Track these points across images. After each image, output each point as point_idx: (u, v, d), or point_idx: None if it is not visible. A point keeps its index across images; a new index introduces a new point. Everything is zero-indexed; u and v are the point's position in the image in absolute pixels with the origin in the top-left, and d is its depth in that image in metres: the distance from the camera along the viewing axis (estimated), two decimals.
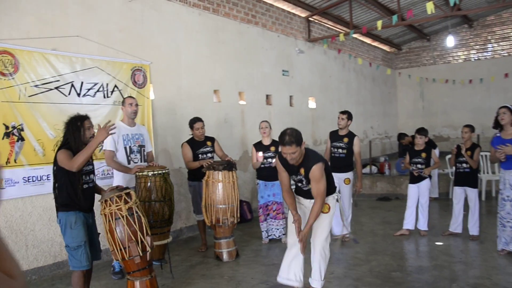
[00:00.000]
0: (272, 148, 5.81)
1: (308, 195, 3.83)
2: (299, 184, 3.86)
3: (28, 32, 4.70)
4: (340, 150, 5.79)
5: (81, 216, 3.60)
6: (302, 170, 3.69)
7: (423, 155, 5.91)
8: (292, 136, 3.50)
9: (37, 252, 4.76)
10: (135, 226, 3.53)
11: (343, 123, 5.79)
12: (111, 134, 3.73)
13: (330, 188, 3.83)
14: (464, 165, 5.70)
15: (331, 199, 3.86)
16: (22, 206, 4.65)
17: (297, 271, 3.87)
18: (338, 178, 5.73)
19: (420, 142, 5.96)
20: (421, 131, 6.03)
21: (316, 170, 3.57)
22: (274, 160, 5.68)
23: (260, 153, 5.79)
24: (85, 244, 3.57)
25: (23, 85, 4.61)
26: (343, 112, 5.87)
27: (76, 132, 3.59)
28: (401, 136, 9.07)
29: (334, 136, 5.91)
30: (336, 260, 5.06)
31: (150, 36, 6.04)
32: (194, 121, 5.50)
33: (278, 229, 5.84)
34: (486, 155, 8.33)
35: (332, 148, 5.88)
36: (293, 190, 3.99)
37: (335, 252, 5.39)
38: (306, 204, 3.89)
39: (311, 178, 3.61)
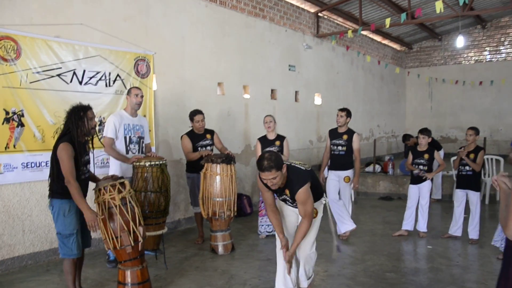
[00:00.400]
0: (277, 143, 5.77)
1: (295, 207, 3.66)
2: (285, 202, 3.70)
3: (32, 18, 4.70)
4: (339, 148, 5.77)
5: (75, 205, 3.60)
6: (287, 191, 3.51)
7: (426, 156, 5.84)
8: (271, 161, 3.20)
9: (34, 238, 4.79)
10: (127, 216, 3.53)
11: (342, 121, 5.77)
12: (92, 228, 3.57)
13: (317, 194, 3.68)
14: (467, 167, 5.62)
15: (318, 204, 3.75)
16: (20, 191, 4.68)
17: (293, 276, 3.76)
18: (338, 176, 5.74)
19: (423, 142, 5.88)
20: (424, 131, 5.95)
21: (302, 193, 3.37)
22: None
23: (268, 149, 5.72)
24: (77, 233, 3.58)
25: (24, 71, 4.62)
26: (342, 110, 5.84)
27: (79, 122, 3.58)
28: (406, 137, 8.98)
29: (333, 133, 5.89)
30: (331, 258, 5.02)
31: (154, 26, 6.02)
32: (194, 113, 5.48)
33: None
34: (492, 158, 8.23)
35: (331, 146, 5.85)
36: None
37: (331, 250, 5.35)
38: (293, 209, 3.73)
39: (297, 200, 3.44)
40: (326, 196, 3.94)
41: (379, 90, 13.44)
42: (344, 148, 5.74)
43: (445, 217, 7.04)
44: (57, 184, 3.58)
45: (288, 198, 3.58)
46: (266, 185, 3.41)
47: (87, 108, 3.70)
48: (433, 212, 7.25)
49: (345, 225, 5.78)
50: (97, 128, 5.14)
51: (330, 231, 3.89)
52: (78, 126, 3.59)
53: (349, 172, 5.75)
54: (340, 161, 5.75)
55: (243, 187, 7.60)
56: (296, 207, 3.58)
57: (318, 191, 3.69)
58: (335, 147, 5.81)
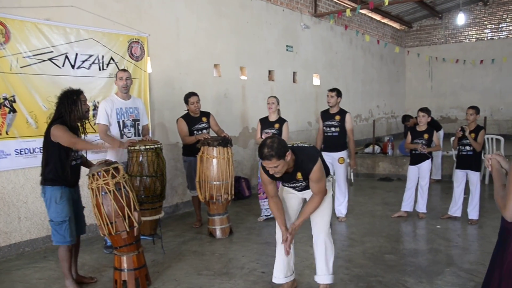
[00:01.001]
0: (276, 125, 5.69)
1: (301, 191, 3.52)
2: (292, 188, 3.50)
3: (20, 0, 4.57)
4: (332, 129, 5.72)
5: (67, 191, 3.56)
6: (299, 174, 3.28)
7: (425, 136, 5.77)
8: (271, 149, 2.91)
9: (30, 225, 4.76)
10: (122, 201, 3.48)
11: (332, 101, 5.71)
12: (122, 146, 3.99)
13: (325, 171, 3.51)
14: (468, 147, 5.56)
15: (344, 153, 4.24)
16: (15, 178, 4.62)
17: (291, 264, 3.68)
18: (332, 157, 5.66)
19: (422, 120, 5.81)
20: (424, 109, 5.88)
21: (317, 171, 3.20)
22: None
23: (266, 131, 5.64)
24: (69, 220, 3.54)
25: (14, 55, 4.52)
26: (331, 90, 5.79)
27: (73, 106, 3.54)
28: (405, 118, 8.86)
29: (326, 115, 5.83)
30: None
31: (148, 7, 5.88)
32: (189, 95, 5.40)
33: None
34: (492, 138, 8.17)
35: (324, 128, 5.79)
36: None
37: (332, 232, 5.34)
38: (297, 194, 3.58)
39: (311, 179, 3.24)
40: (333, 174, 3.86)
41: (379, 70, 13.28)
42: (338, 129, 5.68)
43: (444, 198, 7.01)
44: (49, 170, 3.54)
45: (298, 183, 3.37)
46: (270, 175, 3.18)
47: (80, 92, 3.66)
48: (433, 193, 7.23)
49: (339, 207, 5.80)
50: (91, 112, 5.10)
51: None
52: (72, 110, 3.55)
53: (343, 153, 5.70)
54: (334, 143, 5.70)
55: (241, 170, 7.55)
56: (305, 190, 3.44)
57: (326, 168, 3.48)
58: (328, 129, 5.75)
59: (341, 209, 5.82)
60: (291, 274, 3.69)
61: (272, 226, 5.54)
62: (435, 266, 4.13)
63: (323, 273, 3.54)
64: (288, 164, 3.09)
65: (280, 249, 3.57)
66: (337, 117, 5.71)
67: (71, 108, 3.54)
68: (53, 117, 3.62)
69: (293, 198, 3.60)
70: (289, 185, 3.46)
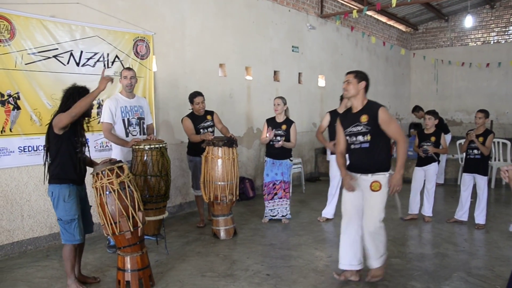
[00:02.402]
0: (284, 127, 5.64)
1: (365, 162, 3.65)
2: (355, 140, 3.69)
3: None
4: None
5: (75, 189, 3.52)
6: (363, 117, 3.62)
7: (432, 139, 5.72)
8: (357, 71, 3.74)
9: (33, 223, 4.72)
10: (126, 200, 3.44)
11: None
12: (110, 81, 3.68)
13: (385, 162, 3.68)
14: (475, 151, 5.50)
15: (382, 177, 3.62)
16: (18, 175, 4.58)
17: (359, 254, 3.79)
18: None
19: (429, 123, 5.76)
20: (431, 112, 5.84)
21: (383, 112, 3.57)
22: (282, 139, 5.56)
23: (280, 142, 5.58)
24: (78, 218, 3.51)
25: (19, 52, 4.48)
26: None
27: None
28: (416, 108, 8.67)
29: (337, 115, 5.71)
30: (335, 243, 4.93)
31: (154, 5, 5.84)
32: (194, 95, 5.36)
33: (286, 208, 5.74)
34: (498, 142, 8.10)
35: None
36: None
37: (336, 235, 5.29)
38: (365, 183, 3.65)
39: (381, 123, 3.56)
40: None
41: (384, 72, 13.20)
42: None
43: (450, 201, 6.95)
44: (55, 166, 3.50)
45: (361, 127, 3.64)
46: (342, 119, 3.81)
47: (87, 89, 3.63)
48: (438, 196, 7.15)
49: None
50: (95, 110, 5.07)
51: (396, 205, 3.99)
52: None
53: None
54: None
55: (245, 171, 7.50)
56: (366, 144, 3.63)
57: (387, 156, 3.71)
58: (353, 137, 5.62)
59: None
60: (358, 263, 3.79)
61: (277, 228, 5.51)
62: (442, 271, 4.07)
63: (374, 257, 3.74)
64: (357, 91, 3.66)
65: (344, 237, 3.82)
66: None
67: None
68: (58, 111, 3.56)
69: (354, 199, 3.77)
70: (351, 129, 3.71)
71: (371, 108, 3.65)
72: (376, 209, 3.65)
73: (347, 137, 3.79)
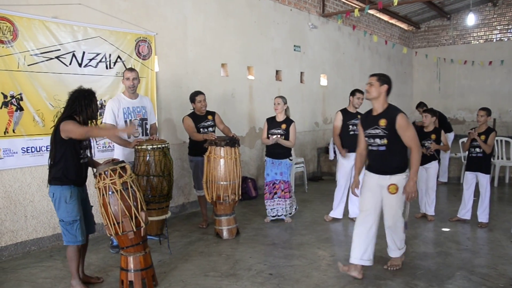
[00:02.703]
0: (283, 126, 5.64)
1: (382, 164, 3.83)
2: (373, 142, 3.85)
3: None
4: (355, 127, 5.59)
5: (76, 191, 3.54)
6: (382, 121, 3.75)
7: (433, 136, 5.72)
8: (380, 74, 3.90)
9: (36, 223, 4.74)
10: (129, 201, 3.44)
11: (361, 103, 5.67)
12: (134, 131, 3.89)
13: (401, 164, 3.82)
14: (477, 149, 5.49)
15: (399, 178, 3.78)
16: (21, 176, 4.60)
17: (370, 250, 3.88)
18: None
19: (426, 121, 5.76)
20: (428, 110, 5.86)
21: (401, 118, 3.69)
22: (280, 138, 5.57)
23: (274, 136, 5.59)
24: (80, 219, 3.52)
25: (22, 53, 4.50)
26: (361, 92, 5.72)
27: (88, 106, 3.55)
28: (420, 105, 8.61)
29: (348, 114, 5.74)
30: (338, 242, 4.97)
31: (156, 5, 5.85)
32: (196, 94, 5.38)
33: (285, 208, 5.74)
34: (501, 140, 8.08)
35: (350, 126, 5.67)
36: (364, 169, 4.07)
37: (338, 235, 5.29)
38: (383, 184, 3.82)
39: (398, 128, 3.68)
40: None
41: (386, 70, 13.16)
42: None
43: (452, 200, 6.94)
44: (58, 169, 3.51)
45: (378, 133, 3.78)
46: (362, 120, 3.97)
47: (94, 92, 3.67)
48: (441, 195, 7.16)
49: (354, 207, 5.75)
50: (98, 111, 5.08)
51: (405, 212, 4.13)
52: (87, 110, 3.55)
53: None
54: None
55: (248, 170, 7.51)
56: (382, 147, 3.77)
57: (404, 158, 3.85)
58: (355, 127, 5.65)
59: (356, 210, 5.76)
60: (367, 259, 3.87)
61: (279, 227, 5.51)
62: (445, 270, 4.07)
63: (393, 248, 4.09)
64: (379, 94, 3.80)
65: (357, 231, 3.92)
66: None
67: (87, 107, 3.54)
68: (63, 114, 3.58)
69: (372, 195, 3.91)
70: (370, 131, 3.86)
71: (390, 113, 3.78)
72: (394, 208, 3.88)
73: (366, 139, 3.95)
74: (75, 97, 3.57)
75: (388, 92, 3.86)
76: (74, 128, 3.43)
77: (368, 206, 3.91)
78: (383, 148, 3.79)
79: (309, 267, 4.15)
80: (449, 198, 7.22)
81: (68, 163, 3.50)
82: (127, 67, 5.36)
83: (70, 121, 3.46)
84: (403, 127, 3.70)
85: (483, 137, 5.42)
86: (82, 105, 3.53)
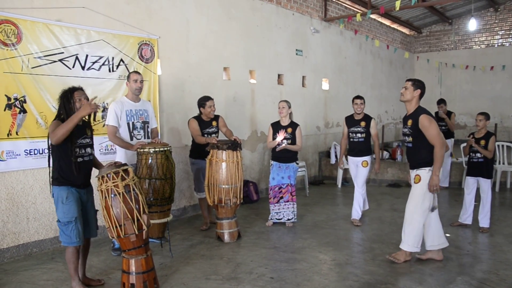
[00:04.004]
0: (289, 130, 5.68)
1: (410, 159, 4.36)
2: (404, 140, 4.45)
3: (32, 1, 4.59)
4: (358, 135, 5.80)
5: (74, 192, 3.54)
6: (409, 122, 4.24)
7: None
8: (415, 79, 4.30)
9: (38, 225, 4.75)
10: (131, 203, 3.46)
11: (361, 108, 5.82)
12: (94, 110, 3.55)
13: (427, 158, 4.18)
14: (478, 154, 5.49)
15: (422, 171, 4.20)
16: (24, 178, 4.62)
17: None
18: (356, 161, 5.82)
19: None
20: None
21: (424, 118, 4.09)
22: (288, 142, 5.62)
23: (280, 138, 5.61)
24: (76, 220, 3.51)
25: (26, 56, 4.52)
26: (358, 97, 5.87)
27: (67, 104, 3.53)
28: (440, 101, 8.58)
29: (351, 121, 5.91)
30: (340, 246, 4.97)
31: (159, 9, 5.88)
32: (206, 99, 5.40)
33: (292, 211, 5.75)
34: (503, 145, 8.08)
35: (350, 134, 5.87)
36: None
37: (340, 238, 5.29)
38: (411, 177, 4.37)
39: (421, 125, 4.10)
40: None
41: (388, 75, 13.21)
42: (363, 135, 5.79)
43: (454, 205, 6.94)
44: (54, 169, 3.55)
45: (407, 131, 4.31)
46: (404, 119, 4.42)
47: (74, 89, 3.62)
48: (442, 200, 7.15)
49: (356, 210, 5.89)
50: (100, 114, 5.10)
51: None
52: (67, 108, 3.54)
53: (367, 158, 5.82)
54: (360, 148, 5.81)
55: (249, 174, 7.52)
56: (409, 145, 4.30)
57: (429, 153, 4.17)
58: (354, 135, 5.84)
59: (359, 210, 5.86)
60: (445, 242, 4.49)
61: (281, 231, 5.52)
62: (446, 275, 4.06)
63: (403, 240, 4.34)
64: (412, 97, 4.25)
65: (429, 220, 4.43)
66: (363, 123, 5.80)
67: (65, 106, 3.55)
68: (56, 115, 3.62)
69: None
70: (402, 129, 4.46)
71: (416, 114, 4.23)
72: (413, 199, 4.28)
73: (402, 136, 4.56)
74: (59, 97, 3.62)
75: (420, 96, 4.31)
76: (51, 134, 3.42)
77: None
78: (410, 145, 4.34)
79: (310, 271, 4.16)
80: (450, 203, 7.22)
81: (62, 163, 3.52)
82: (130, 70, 5.40)
83: (54, 123, 3.47)
84: (425, 126, 4.13)
85: (483, 142, 5.43)
86: (62, 104, 3.56)
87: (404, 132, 4.44)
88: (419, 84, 4.28)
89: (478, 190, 5.60)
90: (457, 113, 14.24)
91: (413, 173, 4.35)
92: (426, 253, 4.45)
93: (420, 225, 4.26)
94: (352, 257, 4.56)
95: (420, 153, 4.23)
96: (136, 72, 4.84)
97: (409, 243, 4.29)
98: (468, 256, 4.59)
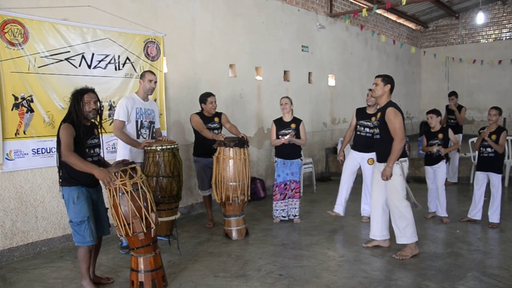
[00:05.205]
0: (293, 125, 5.65)
1: (379, 151, 4.49)
2: (374, 131, 4.59)
3: (38, 1, 4.59)
4: (367, 129, 5.50)
5: (84, 191, 3.54)
6: (379, 115, 4.37)
7: (440, 136, 5.69)
8: (384, 75, 4.45)
9: (47, 224, 4.77)
10: (139, 202, 3.45)
11: (372, 100, 5.50)
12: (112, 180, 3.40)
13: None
14: (489, 149, 5.44)
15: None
16: (32, 177, 4.63)
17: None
18: (362, 157, 5.54)
19: (432, 122, 5.75)
20: (432, 111, 5.83)
21: (391, 111, 4.23)
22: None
23: (286, 137, 5.56)
24: (88, 220, 3.51)
25: (32, 55, 4.53)
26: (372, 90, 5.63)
27: (76, 105, 3.52)
28: (451, 94, 8.53)
29: (362, 113, 5.63)
30: (347, 243, 4.95)
31: (164, 7, 5.87)
32: (208, 95, 5.38)
33: (295, 208, 5.73)
34: None
35: (358, 126, 5.61)
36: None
37: (348, 235, 5.27)
38: (381, 169, 4.42)
39: (387, 118, 4.23)
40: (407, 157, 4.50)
41: (394, 70, 13.11)
42: (371, 131, 5.43)
43: (462, 200, 6.89)
44: (64, 171, 3.53)
45: (376, 123, 4.47)
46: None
47: (85, 91, 3.59)
48: (451, 195, 7.10)
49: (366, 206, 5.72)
50: (106, 112, 5.10)
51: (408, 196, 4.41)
52: (77, 109, 3.53)
53: (373, 155, 5.54)
54: (366, 143, 5.45)
55: (256, 171, 7.51)
56: (378, 136, 4.45)
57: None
58: (362, 128, 5.55)
59: (367, 208, 5.71)
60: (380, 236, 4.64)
61: (288, 228, 5.50)
62: (456, 271, 4.03)
63: (399, 235, 4.42)
64: (383, 91, 4.37)
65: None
66: (373, 119, 5.49)
67: (75, 107, 3.53)
68: (65, 115, 3.61)
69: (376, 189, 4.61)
70: (374, 122, 4.59)
71: (385, 107, 4.35)
72: (394, 193, 4.37)
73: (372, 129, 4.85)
74: (70, 97, 3.60)
75: (391, 91, 4.44)
76: (63, 136, 3.41)
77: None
78: (378, 136, 4.51)
79: (319, 268, 4.14)
80: (459, 198, 7.16)
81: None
82: (136, 68, 5.40)
83: (67, 128, 3.44)
84: (390, 119, 4.26)
85: (494, 136, 5.37)
86: (72, 104, 3.54)
87: (373, 125, 4.66)
88: (388, 80, 4.42)
89: (487, 185, 5.54)
90: None
91: (381, 166, 4.42)
92: (372, 242, 4.67)
93: (410, 214, 4.36)
94: (361, 253, 4.53)
95: (388, 146, 4.31)
96: (152, 72, 4.81)
97: (407, 235, 4.37)
98: (478, 252, 4.55)
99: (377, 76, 4.50)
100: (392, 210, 4.42)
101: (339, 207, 5.66)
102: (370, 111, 5.56)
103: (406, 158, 4.44)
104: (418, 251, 4.42)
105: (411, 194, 4.43)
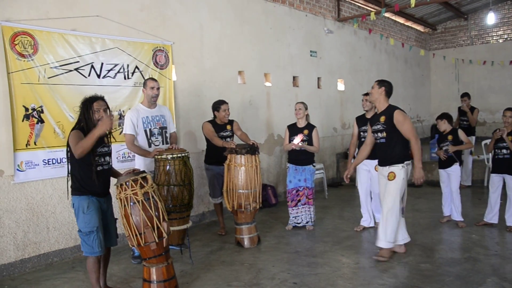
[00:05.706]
0: (305, 132, 5.58)
1: (383, 155, 4.43)
2: (376, 133, 4.47)
3: (48, 12, 4.61)
4: (366, 134, 5.42)
5: (94, 201, 3.51)
6: (382, 118, 4.35)
7: (450, 137, 5.62)
8: (379, 80, 4.56)
9: (58, 235, 4.75)
10: (151, 211, 3.42)
11: (368, 105, 5.51)
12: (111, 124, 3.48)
13: (401, 154, 4.31)
14: (504, 151, 5.33)
15: (395, 168, 4.29)
16: (43, 188, 4.63)
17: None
18: (370, 165, 5.42)
19: (442, 127, 5.71)
20: (440, 117, 5.82)
21: (398, 114, 4.25)
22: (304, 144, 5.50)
23: (297, 141, 5.49)
24: (97, 230, 3.48)
25: (42, 66, 4.55)
26: (367, 94, 5.55)
27: (86, 113, 3.51)
28: (464, 95, 8.47)
29: (360, 120, 5.62)
30: (362, 249, 4.87)
31: (172, 15, 5.87)
32: (221, 102, 5.35)
33: (309, 215, 5.65)
34: None
35: (361, 133, 5.57)
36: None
37: (362, 241, 5.18)
38: (384, 173, 4.40)
39: (395, 121, 4.22)
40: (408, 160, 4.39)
41: (403, 73, 13.03)
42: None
43: (477, 203, 6.76)
44: (74, 179, 3.52)
45: (380, 127, 4.38)
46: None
47: (94, 99, 3.58)
48: (465, 199, 6.95)
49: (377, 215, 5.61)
50: (116, 122, 5.09)
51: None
52: (86, 118, 3.52)
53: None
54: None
55: (267, 177, 7.45)
56: (383, 140, 4.38)
57: (403, 149, 4.32)
58: (375, 134, 5.46)
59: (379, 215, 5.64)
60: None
61: (301, 235, 5.43)
62: (475, 276, 3.93)
63: (381, 238, 4.37)
64: (380, 96, 4.43)
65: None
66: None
67: (85, 115, 3.53)
68: (75, 124, 3.61)
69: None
70: (374, 127, 4.48)
71: (388, 110, 4.38)
72: (391, 195, 4.32)
73: (373, 134, 4.58)
74: (80, 106, 3.60)
75: (386, 93, 4.47)
76: (72, 143, 3.41)
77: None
78: (383, 140, 4.43)
79: (334, 275, 4.07)
80: (473, 201, 7.04)
81: (83, 173, 3.49)
82: (145, 77, 5.39)
83: (75, 134, 3.44)
84: (399, 121, 4.26)
85: (510, 137, 5.27)
86: (82, 113, 3.54)
87: (375, 129, 4.49)
88: (383, 83, 4.51)
89: (502, 188, 5.43)
90: None
91: (385, 170, 4.40)
92: (394, 247, 4.55)
93: (397, 220, 4.37)
94: (376, 260, 4.45)
95: (394, 149, 4.32)
96: (153, 79, 4.82)
97: (387, 239, 4.35)
98: (497, 257, 4.45)
99: (375, 82, 4.61)
100: (387, 212, 4.36)
101: (365, 222, 5.68)
102: (369, 116, 5.50)
103: (410, 161, 4.41)
104: (404, 251, 4.59)
105: (405, 199, 4.44)
